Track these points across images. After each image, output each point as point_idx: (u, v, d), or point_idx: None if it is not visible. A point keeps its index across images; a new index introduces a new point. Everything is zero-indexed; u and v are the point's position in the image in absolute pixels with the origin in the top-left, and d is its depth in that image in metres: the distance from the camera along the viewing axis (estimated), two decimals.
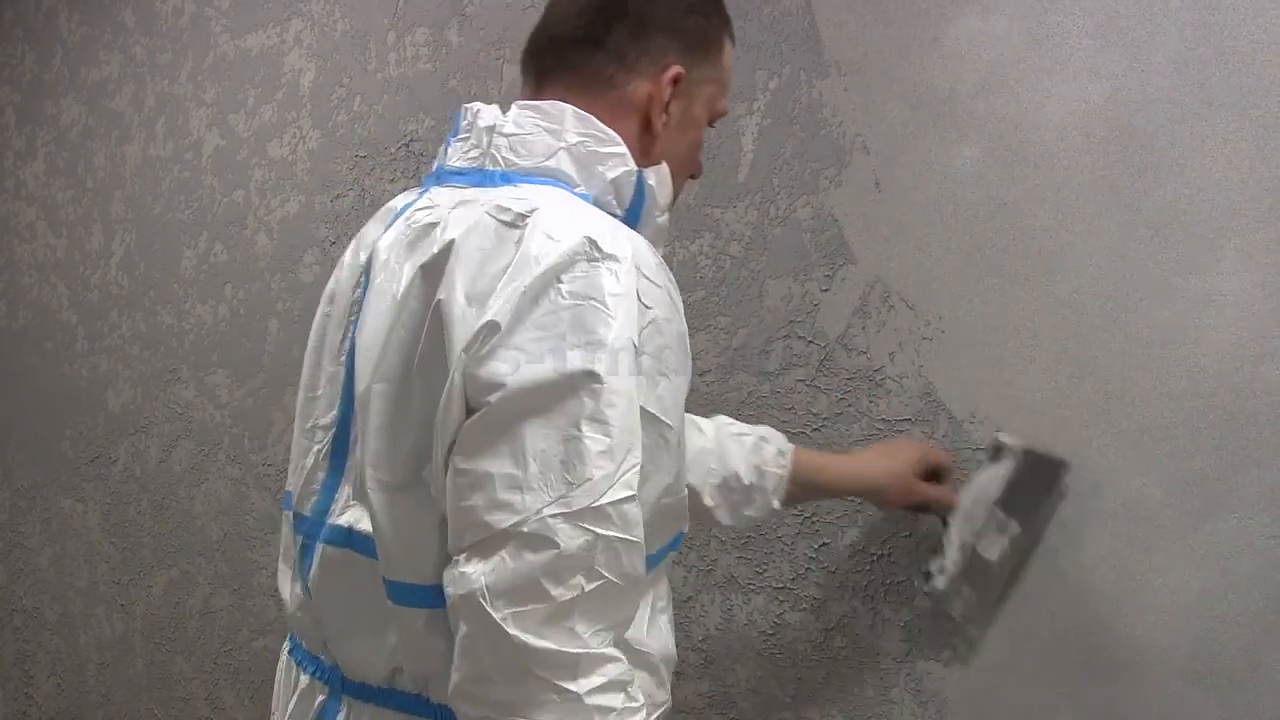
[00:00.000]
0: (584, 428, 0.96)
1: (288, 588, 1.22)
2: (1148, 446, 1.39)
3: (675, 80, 1.18)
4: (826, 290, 1.63)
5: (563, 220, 1.03)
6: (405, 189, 2.13)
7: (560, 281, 0.99)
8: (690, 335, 1.75)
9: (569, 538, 0.94)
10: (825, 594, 1.63)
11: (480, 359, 0.98)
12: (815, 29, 1.65)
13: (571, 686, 0.92)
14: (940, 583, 1.49)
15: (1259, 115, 1.33)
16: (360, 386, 1.07)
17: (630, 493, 0.98)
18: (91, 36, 2.83)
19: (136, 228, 2.71)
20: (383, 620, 1.08)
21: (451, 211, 1.09)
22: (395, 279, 1.09)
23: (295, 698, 1.20)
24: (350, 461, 1.12)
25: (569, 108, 1.14)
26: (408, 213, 1.15)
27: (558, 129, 1.13)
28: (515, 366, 0.97)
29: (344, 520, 1.11)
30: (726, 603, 1.73)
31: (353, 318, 1.15)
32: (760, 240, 1.70)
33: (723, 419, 1.48)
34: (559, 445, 0.96)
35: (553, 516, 0.94)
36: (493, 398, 0.96)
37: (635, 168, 1.15)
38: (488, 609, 0.92)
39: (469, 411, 0.98)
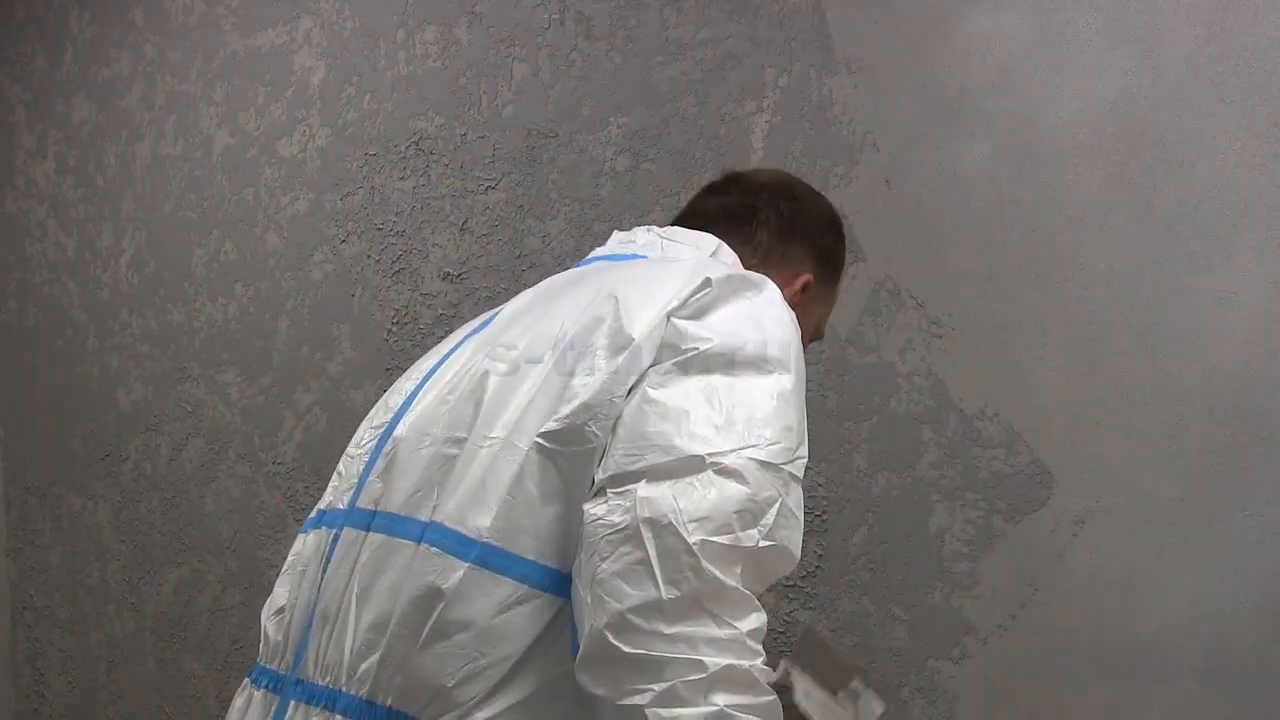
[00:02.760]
0: (777, 400, 1.00)
1: (270, 601, 1.21)
2: (1158, 444, 1.39)
3: (805, 287, 1.29)
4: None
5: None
6: (415, 186, 2.15)
7: (750, 294, 1.07)
8: None
9: (759, 483, 0.95)
10: (835, 592, 1.63)
11: (695, 314, 1.03)
12: (825, 26, 1.65)
13: (738, 624, 0.92)
14: None
15: (1270, 112, 1.33)
16: (492, 367, 1.09)
17: (801, 476, 1.01)
18: (102, 35, 2.84)
19: (147, 226, 2.71)
20: (378, 594, 1.06)
21: (605, 266, 1.19)
22: (535, 300, 1.16)
23: (250, 717, 1.17)
24: (387, 446, 1.13)
25: (722, 244, 1.24)
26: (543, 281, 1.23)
27: (707, 250, 1.23)
28: (723, 328, 1.02)
29: (366, 503, 1.11)
30: None
31: (449, 350, 1.19)
32: None
33: None
34: (753, 405, 0.99)
35: (750, 459, 0.96)
36: (701, 345, 1.00)
37: None
38: (682, 532, 0.91)
39: (655, 362, 1.02)
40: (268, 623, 1.20)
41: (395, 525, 1.08)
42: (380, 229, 2.21)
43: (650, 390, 0.99)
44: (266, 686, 1.16)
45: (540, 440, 1.02)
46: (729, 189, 1.34)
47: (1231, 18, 1.35)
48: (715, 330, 1.02)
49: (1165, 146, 1.39)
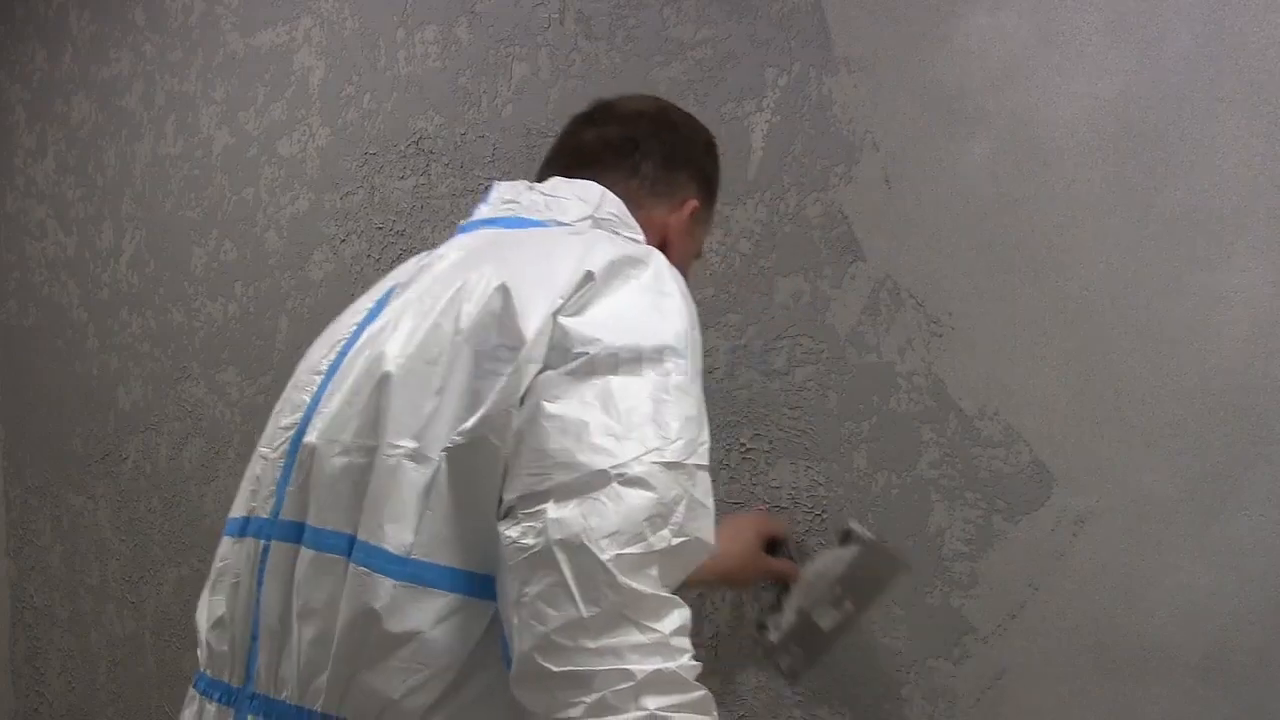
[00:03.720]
0: (672, 394, 1.01)
1: (207, 612, 1.21)
2: (1158, 443, 1.39)
3: (693, 212, 1.32)
4: (836, 287, 1.63)
5: (621, 239, 1.15)
6: (415, 185, 2.14)
7: (636, 273, 1.07)
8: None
9: (665, 486, 0.97)
10: None
11: (575, 310, 1.03)
12: (825, 25, 1.65)
13: (659, 627, 0.94)
14: (774, 637, 1.60)
15: (1270, 111, 1.33)
16: (389, 367, 1.08)
17: (707, 463, 1.02)
18: (102, 34, 2.84)
19: (147, 226, 2.71)
20: (317, 612, 1.07)
21: (491, 239, 1.17)
22: (426, 289, 1.13)
23: None
24: (301, 454, 1.13)
25: (604, 190, 1.24)
26: (433, 255, 1.21)
27: (589, 200, 1.22)
28: (611, 327, 1.02)
29: (291, 515, 1.13)
30: (736, 600, 1.73)
31: (344, 339, 1.19)
32: (770, 237, 1.70)
33: None
34: (649, 404, 1.00)
35: (654, 463, 0.97)
36: (591, 349, 1.00)
37: None
38: (594, 550, 0.93)
39: (546, 365, 1.01)
40: (208, 634, 1.20)
41: (323, 540, 1.08)
42: (380, 228, 2.21)
43: (546, 405, 0.99)
44: (219, 700, 1.16)
45: (448, 453, 1.03)
46: (604, 120, 1.34)
47: (1232, 17, 1.35)
48: (604, 328, 1.02)
49: (1165, 146, 1.39)
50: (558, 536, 0.94)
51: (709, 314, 1.75)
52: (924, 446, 1.56)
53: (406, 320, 1.11)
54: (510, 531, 0.97)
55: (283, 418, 1.21)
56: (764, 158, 1.70)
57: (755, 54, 1.71)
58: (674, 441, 0.99)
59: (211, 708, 1.16)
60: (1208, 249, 1.36)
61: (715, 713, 0.98)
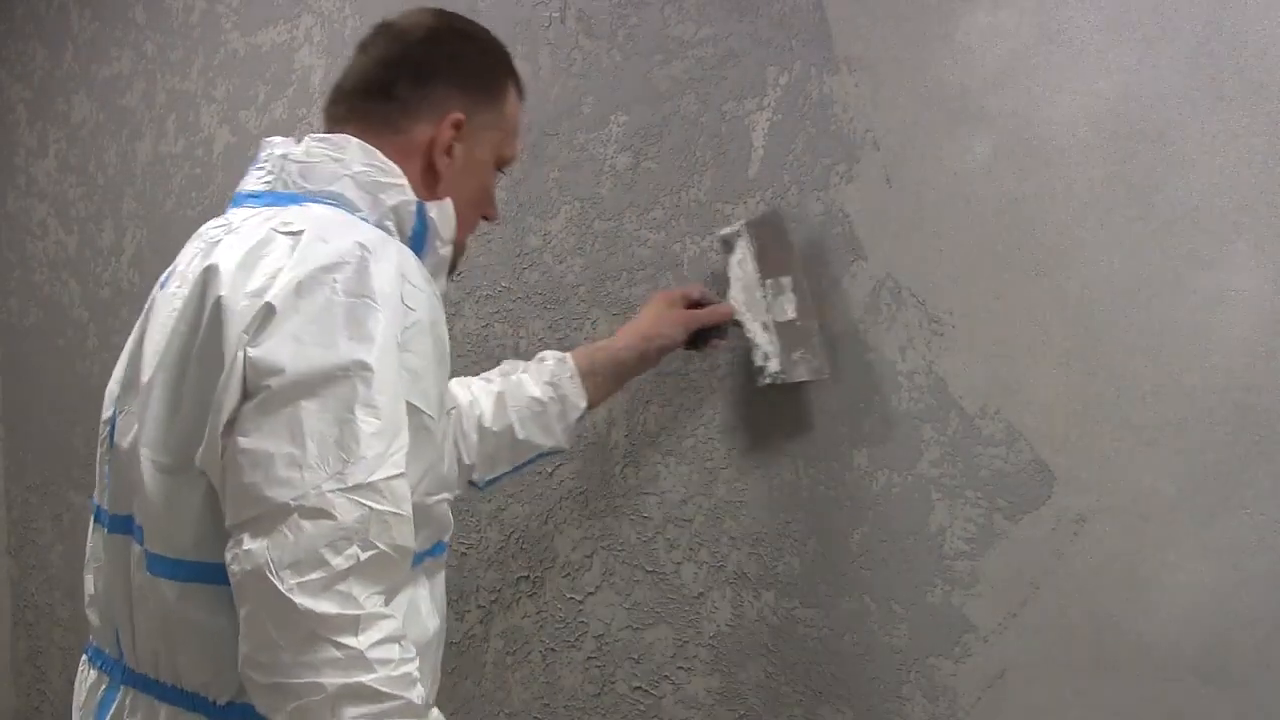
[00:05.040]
0: (357, 411, 1.05)
1: (86, 588, 1.31)
2: (1159, 442, 1.39)
3: (456, 125, 1.32)
4: (837, 286, 1.63)
5: (337, 229, 1.15)
6: None
7: (335, 279, 1.09)
8: None
9: (345, 511, 1.02)
10: (836, 590, 1.63)
11: (259, 342, 1.06)
12: (826, 25, 1.65)
13: (353, 643, 1.01)
14: (774, 365, 1.63)
15: (1271, 110, 1.33)
16: (145, 377, 1.16)
17: (399, 471, 1.06)
18: (102, 33, 2.84)
19: (148, 224, 2.71)
20: (147, 601, 1.17)
21: (241, 225, 1.21)
22: (185, 283, 1.19)
23: (86, 694, 1.29)
24: (113, 454, 1.23)
25: (355, 141, 1.26)
26: (206, 232, 1.27)
27: (343, 159, 1.25)
28: (293, 353, 1.06)
29: (114, 509, 1.22)
30: (737, 599, 1.73)
31: (139, 336, 1.25)
32: None
33: (505, 364, 1.64)
34: (334, 427, 1.04)
35: (331, 491, 1.02)
36: (272, 381, 1.05)
37: (414, 198, 1.26)
38: (275, 581, 1.00)
39: (245, 395, 1.06)
40: (88, 609, 1.31)
41: (138, 535, 1.18)
42: None
43: (240, 439, 1.05)
44: (100, 667, 1.28)
45: (199, 468, 1.11)
46: (374, 45, 1.38)
47: (1232, 16, 1.35)
48: (286, 356, 1.05)
49: (1166, 145, 1.39)
50: (247, 568, 1.02)
51: None
52: (925, 445, 1.56)
53: (160, 325, 1.18)
54: (226, 556, 1.05)
55: (105, 409, 1.30)
56: (765, 156, 1.70)
57: (756, 53, 1.71)
58: (357, 462, 1.04)
59: (93, 674, 1.28)
60: (1208, 248, 1.36)
61: (427, 715, 1.06)
